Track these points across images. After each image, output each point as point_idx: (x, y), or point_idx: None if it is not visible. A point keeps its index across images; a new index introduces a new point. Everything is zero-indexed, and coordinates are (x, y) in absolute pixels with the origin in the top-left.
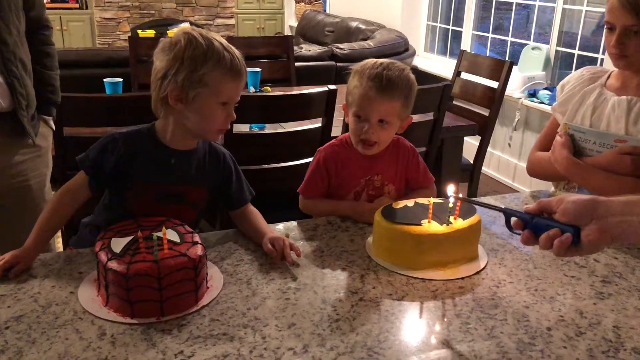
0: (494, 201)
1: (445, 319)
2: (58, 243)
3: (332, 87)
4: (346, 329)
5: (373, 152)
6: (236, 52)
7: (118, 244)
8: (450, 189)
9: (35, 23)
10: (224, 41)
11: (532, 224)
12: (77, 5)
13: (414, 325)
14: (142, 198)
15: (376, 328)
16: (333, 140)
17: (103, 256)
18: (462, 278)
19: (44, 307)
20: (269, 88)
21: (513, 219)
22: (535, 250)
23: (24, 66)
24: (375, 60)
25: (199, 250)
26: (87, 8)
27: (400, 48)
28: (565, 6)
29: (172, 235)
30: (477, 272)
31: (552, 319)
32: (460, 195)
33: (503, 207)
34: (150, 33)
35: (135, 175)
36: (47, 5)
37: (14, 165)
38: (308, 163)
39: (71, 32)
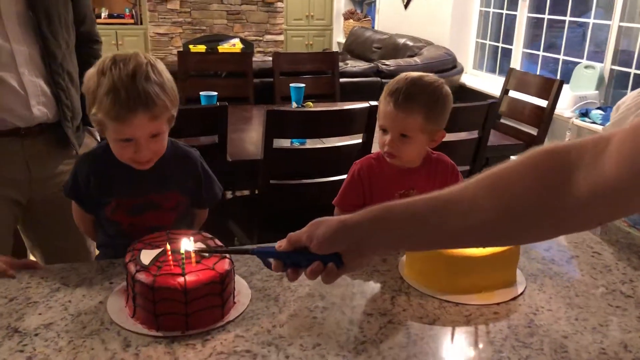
0: None
1: (478, 346)
2: None
3: (374, 103)
4: (372, 352)
5: (396, 163)
6: (136, 86)
7: (147, 256)
8: (188, 243)
9: (86, 37)
10: (132, 71)
11: (291, 263)
12: (132, 21)
13: (444, 351)
14: (118, 213)
15: (404, 352)
16: (370, 154)
17: (132, 267)
18: (498, 303)
19: (73, 316)
20: (311, 103)
21: (272, 261)
22: (578, 277)
23: (71, 78)
24: (407, 74)
25: (226, 264)
26: (141, 23)
27: (447, 65)
28: (622, 24)
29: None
30: (514, 298)
31: (593, 352)
32: (195, 247)
33: (252, 248)
34: (201, 48)
35: (107, 192)
36: (105, 21)
37: (57, 174)
38: None
39: (126, 47)
